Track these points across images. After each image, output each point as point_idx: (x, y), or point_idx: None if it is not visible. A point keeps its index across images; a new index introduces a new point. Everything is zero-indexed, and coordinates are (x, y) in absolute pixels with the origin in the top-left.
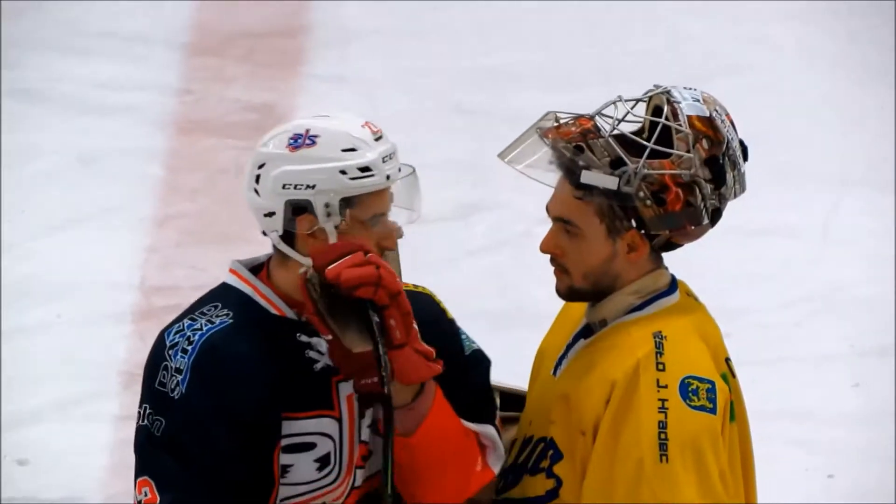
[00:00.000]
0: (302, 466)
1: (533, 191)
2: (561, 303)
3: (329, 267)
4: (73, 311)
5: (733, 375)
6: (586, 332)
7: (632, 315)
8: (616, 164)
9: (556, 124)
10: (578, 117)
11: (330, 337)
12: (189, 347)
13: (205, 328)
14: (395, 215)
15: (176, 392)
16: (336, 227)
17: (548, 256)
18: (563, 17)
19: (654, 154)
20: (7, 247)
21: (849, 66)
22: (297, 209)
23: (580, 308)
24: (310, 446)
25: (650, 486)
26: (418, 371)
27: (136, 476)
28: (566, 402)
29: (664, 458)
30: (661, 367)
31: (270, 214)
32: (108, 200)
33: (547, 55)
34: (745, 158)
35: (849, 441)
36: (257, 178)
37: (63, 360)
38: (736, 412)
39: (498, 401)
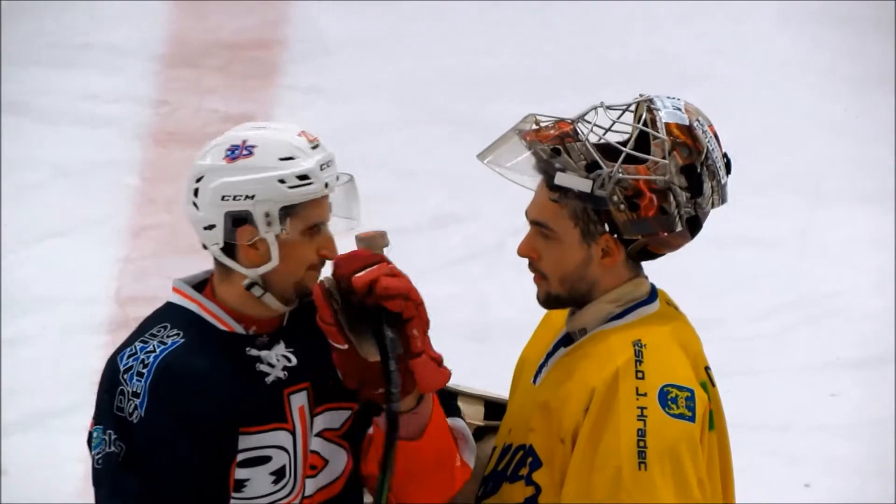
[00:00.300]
0: (258, 480)
1: (508, 202)
2: (538, 314)
3: (357, 275)
4: (52, 322)
5: (713, 384)
6: (566, 340)
7: (611, 323)
8: (591, 168)
9: (535, 127)
10: (559, 121)
11: (344, 347)
12: (144, 370)
13: (158, 349)
14: (335, 224)
15: (135, 416)
16: (277, 237)
17: (524, 268)
18: (539, 28)
19: (631, 159)
20: None
21: (826, 76)
22: (237, 220)
23: (560, 317)
24: (265, 459)
25: (629, 494)
26: (435, 378)
27: None
28: (546, 409)
29: (643, 465)
30: (640, 375)
31: (210, 227)
32: (84, 211)
33: (522, 65)
34: (728, 171)
35: (826, 451)
36: (196, 192)
37: (41, 372)
38: (715, 421)
39: (483, 410)
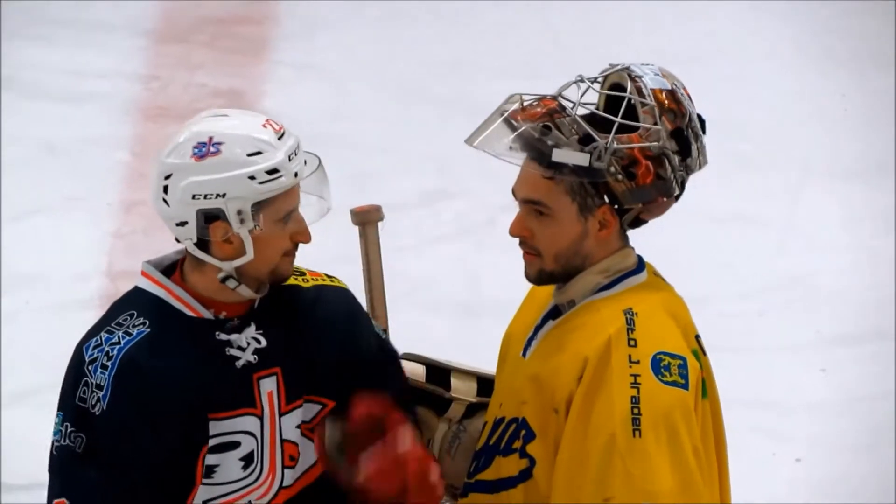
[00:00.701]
0: (228, 466)
1: (497, 179)
2: (524, 290)
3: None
4: (41, 297)
5: (704, 353)
6: (555, 313)
7: (600, 294)
8: (585, 141)
9: (521, 106)
10: (542, 98)
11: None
12: (108, 363)
13: (122, 341)
14: (308, 212)
15: (97, 408)
16: (250, 232)
17: (512, 243)
18: (525, 8)
19: (622, 129)
20: None
21: (812, 54)
22: (210, 217)
23: (546, 291)
24: (234, 445)
25: (623, 461)
26: None
27: (52, 497)
28: (537, 381)
29: (637, 432)
30: (632, 343)
31: (183, 224)
32: (74, 187)
33: (505, 45)
34: (704, 131)
35: (816, 428)
36: (165, 189)
37: (31, 347)
38: (708, 389)
39: (475, 386)
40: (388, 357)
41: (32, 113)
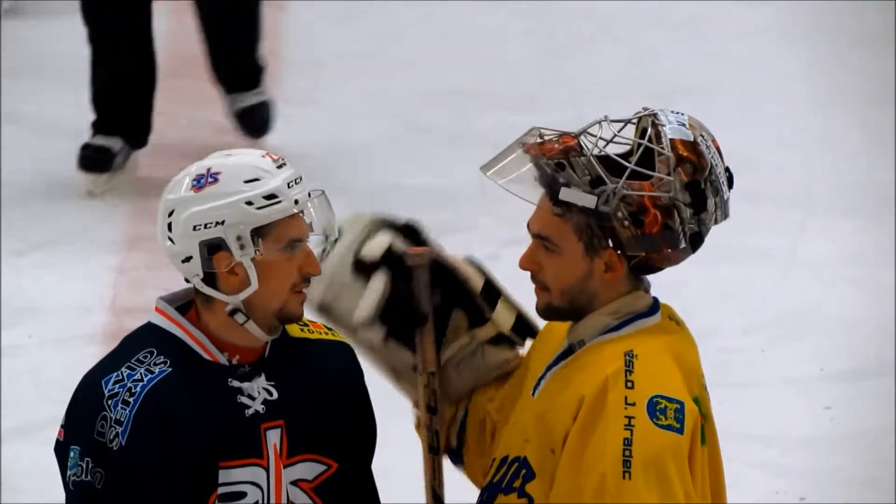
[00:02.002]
0: None
1: (501, 214)
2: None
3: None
4: (44, 332)
5: (706, 391)
6: (567, 353)
7: (608, 335)
8: (596, 183)
9: (539, 140)
10: (563, 135)
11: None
12: (131, 399)
13: (145, 379)
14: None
15: (115, 443)
16: (253, 261)
17: (520, 279)
18: (525, 39)
19: (635, 175)
20: None
21: (815, 86)
22: (212, 248)
23: (561, 330)
24: (241, 495)
25: (612, 502)
26: None
27: None
28: (541, 420)
29: (627, 474)
30: (629, 384)
31: (188, 259)
32: (77, 222)
33: (511, 77)
34: (731, 186)
35: (820, 464)
36: (169, 227)
37: (33, 382)
38: (707, 436)
39: (513, 321)
40: (373, 436)
41: (34, 147)
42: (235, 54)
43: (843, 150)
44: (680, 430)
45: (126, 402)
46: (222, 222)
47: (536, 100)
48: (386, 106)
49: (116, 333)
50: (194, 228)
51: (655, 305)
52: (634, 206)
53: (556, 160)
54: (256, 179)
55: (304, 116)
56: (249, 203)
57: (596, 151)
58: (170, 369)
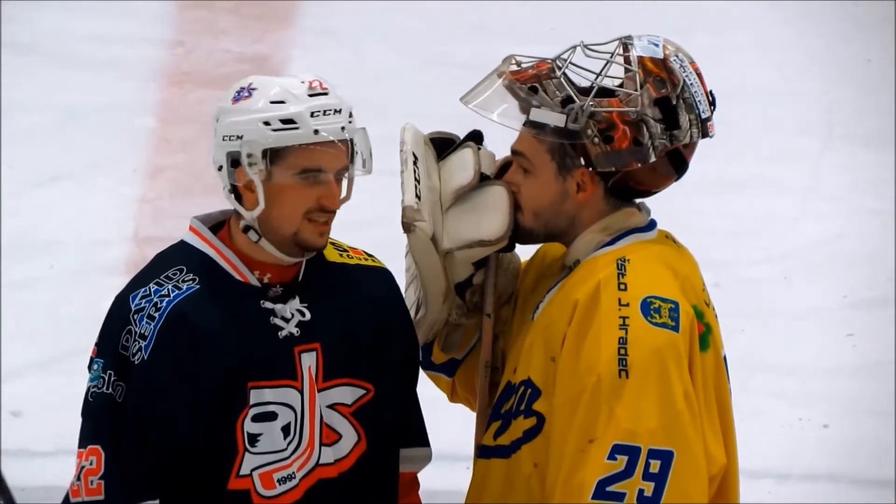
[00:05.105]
0: (271, 435)
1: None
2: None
3: None
4: (65, 263)
5: (709, 307)
6: (565, 276)
7: (602, 249)
8: (566, 103)
9: (516, 67)
10: (539, 61)
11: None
12: (156, 314)
13: (172, 294)
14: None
15: (137, 357)
16: (262, 181)
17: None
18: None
19: (604, 93)
20: None
21: (835, 18)
22: (234, 161)
23: (555, 252)
24: (273, 416)
25: (608, 402)
26: None
27: (86, 442)
28: (542, 335)
29: (623, 373)
30: (622, 286)
31: (220, 168)
32: (100, 153)
33: (531, 9)
34: (713, 106)
35: (842, 392)
36: (216, 132)
37: (56, 313)
38: (710, 344)
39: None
40: (416, 360)
41: (56, 79)
42: None
43: (862, 81)
44: (675, 329)
45: (151, 317)
46: (241, 136)
47: (553, 32)
48: (404, 38)
49: (139, 264)
50: (223, 139)
51: (652, 223)
52: (603, 122)
53: (529, 84)
54: (282, 102)
55: (325, 46)
56: (267, 123)
57: (574, 78)
58: (198, 286)
